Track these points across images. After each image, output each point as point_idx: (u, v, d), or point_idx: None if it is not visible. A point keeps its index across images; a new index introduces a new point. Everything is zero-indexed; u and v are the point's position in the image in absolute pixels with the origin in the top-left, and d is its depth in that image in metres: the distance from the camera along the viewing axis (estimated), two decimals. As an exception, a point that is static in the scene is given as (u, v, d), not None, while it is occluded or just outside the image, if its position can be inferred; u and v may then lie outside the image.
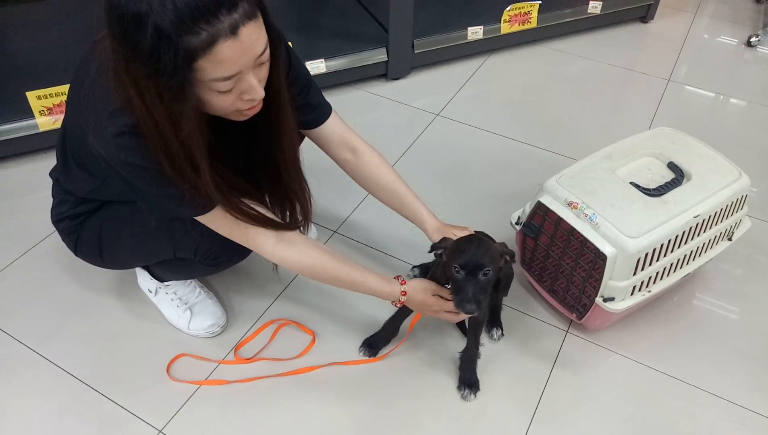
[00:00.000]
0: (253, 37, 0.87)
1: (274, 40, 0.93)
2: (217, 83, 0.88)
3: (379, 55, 2.18)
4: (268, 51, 0.92)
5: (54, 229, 1.30)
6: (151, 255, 1.32)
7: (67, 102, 1.13)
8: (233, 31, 0.83)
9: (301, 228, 1.22)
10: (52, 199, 1.28)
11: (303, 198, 1.22)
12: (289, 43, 1.19)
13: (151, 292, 1.43)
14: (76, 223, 1.26)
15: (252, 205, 1.09)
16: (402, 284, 1.21)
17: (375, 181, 1.32)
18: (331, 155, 1.33)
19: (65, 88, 1.78)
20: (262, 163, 1.16)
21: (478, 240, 1.11)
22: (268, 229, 1.12)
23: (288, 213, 1.23)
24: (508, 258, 1.17)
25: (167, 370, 1.34)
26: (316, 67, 2.08)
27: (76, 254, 1.31)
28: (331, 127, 1.28)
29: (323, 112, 1.28)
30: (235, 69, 0.88)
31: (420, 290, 1.23)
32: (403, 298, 1.21)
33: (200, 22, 0.81)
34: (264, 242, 1.12)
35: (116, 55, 0.86)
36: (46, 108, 1.79)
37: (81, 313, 1.46)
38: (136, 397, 1.30)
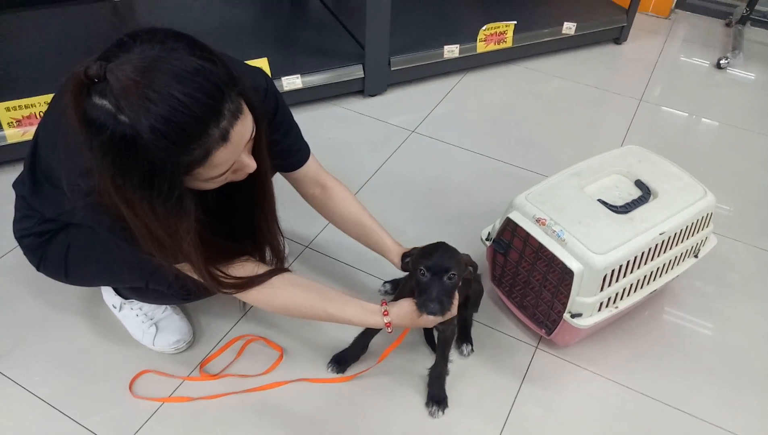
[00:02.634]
0: (243, 131, 0.87)
1: (258, 117, 0.92)
2: (213, 179, 0.89)
3: (356, 72, 2.20)
4: (254, 127, 0.91)
5: (16, 243, 1.27)
6: (121, 282, 1.30)
7: (42, 122, 1.09)
8: (224, 138, 0.84)
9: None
10: (14, 213, 1.25)
11: (277, 247, 1.21)
12: (276, 84, 1.18)
13: (115, 307, 1.41)
14: (41, 241, 1.23)
15: (229, 272, 1.08)
16: (385, 315, 1.15)
17: (341, 215, 1.33)
18: (299, 191, 1.34)
19: (35, 100, 1.76)
20: (241, 223, 1.15)
21: (444, 245, 1.14)
22: None
23: (263, 256, 1.22)
24: (471, 269, 1.19)
25: (130, 387, 1.31)
26: (292, 82, 2.08)
27: (38, 270, 1.28)
28: (306, 168, 1.29)
29: (302, 156, 1.28)
30: (230, 163, 0.89)
31: (403, 316, 1.16)
32: (389, 331, 1.17)
33: (191, 143, 0.80)
34: None
35: (100, 169, 0.82)
36: (15, 120, 1.77)
37: (43, 329, 1.42)
38: (97, 416, 1.27)
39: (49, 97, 1.74)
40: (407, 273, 1.34)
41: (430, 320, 1.16)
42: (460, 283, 1.16)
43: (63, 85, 0.78)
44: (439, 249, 1.13)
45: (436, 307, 1.08)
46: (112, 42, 0.80)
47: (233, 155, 0.88)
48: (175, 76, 0.77)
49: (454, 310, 1.14)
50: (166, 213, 0.86)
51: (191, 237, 0.92)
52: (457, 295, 1.14)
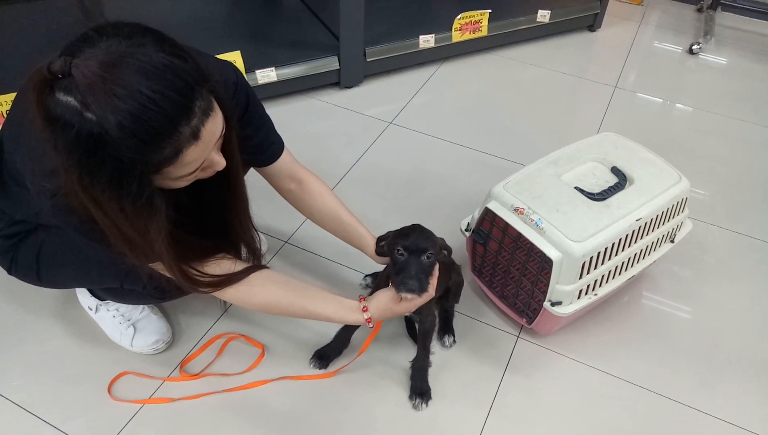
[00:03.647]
0: (213, 129, 0.85)
1: (228, 114, 0.90)
2: (183, 178, 0.88)
3: (331, 64, 2.17)
4: (224, 125, 0.89)
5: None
6: (95, 283, 1.27)
7: (6, 122, 1.05)
8: (195, 136, 0.82)
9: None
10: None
11: (253, 244, 1.19)
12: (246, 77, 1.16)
13: (91, 309, 1.38)
14: (11, 243, 1.20)
15: (204, 270, 1.06)
16: (364, 311, 1.15)
17: (318, 209, 1.31)
18: (275, 186, 1.32)
19: (1, 98, 1.71)
20: (214, 221, 1.13)
21: (420, 227, 1.15)
22: None
23: (239, 254, 1.19)
24: (446, 253, 1.19)
25: (108, 390, 1.29)
26: (266, 75, 2.05)
27: (9, 273, 1.24)
28: (280, 163, 1.27)
29: (276, 150, 1.26)
30: (200, 161, 0.87)
31: (382, 307, 1.16)
32: (369, 325, 1.17)
33: (162, 141, 0.78)
34: None
35: (66, 168, 0.79)
36: (-19, 120, 1.72)
37: (18, 334, 1.39)
38: (76, 421, 1.25)
39: (12, 97, 1.71)
40: (384, 268, 1.34)
41: (410, 306, 1.16)
42: (438, 271, 1.16)
43: (25, 82, 0.76)
44: (416, 230, 1.14)
45: (415, 284, 1.08)
46: (76, 35, 0.77)
47: (204, 153, 0.86)
48: (144, 72, 0.75)
49: (432, 291, 1.14)
50: (135, 213, 0.84)
51: (163, 236, 0.90)
52: (436, 273, 1.14)
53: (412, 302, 1.14)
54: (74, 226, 0.94)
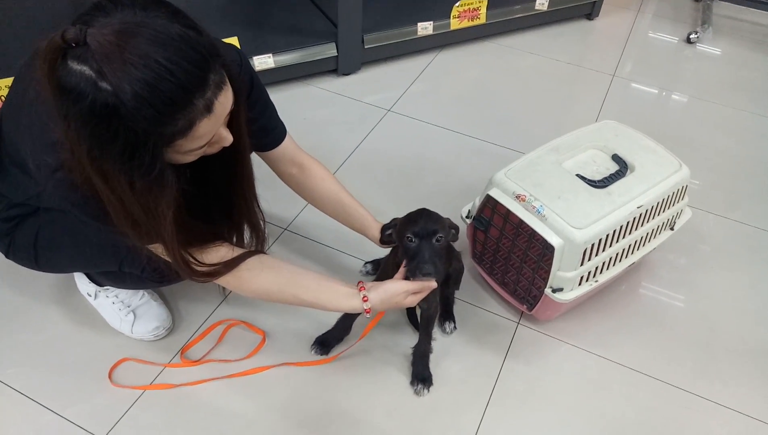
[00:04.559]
0: (225, 103, 0.85)
1: (237, 90, 0.89)
2: (193, 151, 0.87)
3: (329, 51, 2.16)
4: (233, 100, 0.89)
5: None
6: (94, 266, 1.26)
7: (5, 103, 1.04)
8: (208, 109, 0.81)
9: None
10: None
11: (257, 225, 1.18)
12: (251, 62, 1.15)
13: (90, 296, 1.37)
14: (9, 226, 1.18)
15: (202, 258, 1.05)
16: (364, 301, 1.12)
17: (320, 193, 1.31)
18: (276, 171, 1.31)
19: (-4, 83, 1.69)
20: (218, 202, 1.12)
21: (427, 211, 1.15)
22: None
23: (242, 236, 1.19)
24: (454, 232, 1.20)
25: (109, 376, 1.29)
26: (264, 62, 2.04)
27: (7, 257, 1.23)
28: (283, 147, 1.26)
29: (279, 134, 1.26)
30: (211, 135, 0.86)
31: (387, 299, 1.13)
32: (367, 316, 1.14)
33: (176, 112, 0.77)
34: None
35: (75, 140, 0.77)
36: (-24, 105, 1.70)
37: (17, 321, 1.39)
38: (76, 406, 1.24)
39: (6, 81, 1.69)
40: (388, 252, 1.34)
41: (417, 299, 1.15)
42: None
43: (31, 55, 0.74)
44: (423, 214, 1.14)
45: (431, 268, 1.08)
46: (89, 5, 0.75)
47: (215, 127, 0.86)
48: (161, 43, 0.74)
49: (439, 279, 1.14)
50: (145, 187, 0.83)
51: (170, 215, 0.89)
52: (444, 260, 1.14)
53: (419, 295, 1.14)
54: (75, 203, 0.92)
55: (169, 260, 1.01)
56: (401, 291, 1.12)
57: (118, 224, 0.90)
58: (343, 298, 1.13)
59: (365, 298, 1.12)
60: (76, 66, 0.72)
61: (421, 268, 1.08)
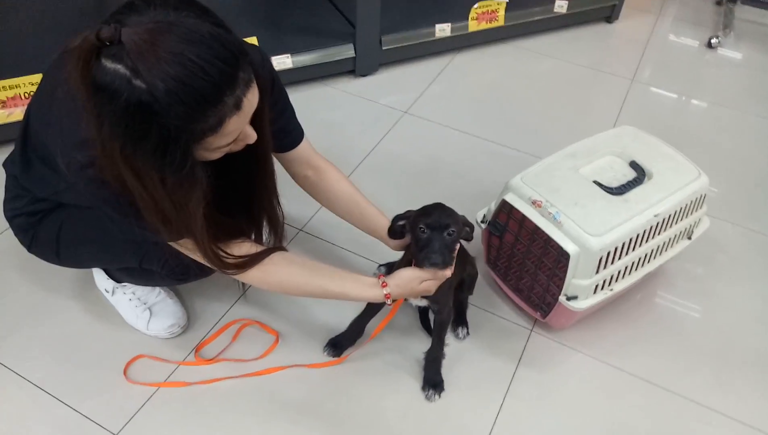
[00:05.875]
0: (253, 100, 0.86)
1: (262, 88, 0.90)
2: (220, 148, 0.88)
3: (347, 51, 2.16)
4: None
5: (6, 224, 1.24)
6: (114, 262, 1.28)
7: (34, 100, 1.06)
8: (238, 106, 0.83)
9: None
10: (4, 193, 1.22)
11: (277, 221, 1.20)
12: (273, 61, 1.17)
13: (108, 291, 1.39)
14: (33, 220, 1.21)
15: (229, 252, 1.06)
16: (384, 287, 1.15)
17: (335, 196, 1.31)
18: (291, 173, 1.32)
19: (19, 81, 1.71)
20: (239, 198, 1.13)
21: (442, 205, 1.16)
22: None
23: (260, 232, 1.21)
24: (468, 229, 1.20)
25: (124, 372, 1.30)
26: (282, 62, 2.05)
27: (29, 251, 1.26)
28: (300, 149, 1.27)
29: (296, 136, 1.27)
30: (238, 132, 0.88)
31: (403, 285, 1.16)
32: (388, 302, 1.17)
33: (208, 109, 0.79)
34: None
35: (108, 138, 0.79)
36: (0, 101, 1.72)
37: (36, 315, 1.41)
38: (92, 401, 1.26)
39: (34, 78, 1.71)
40: (401, 256, 1.34)
41: (431, 286, 1.17)
42: (456, 253, 1.17)
43: (62, 54, 0.76)
44: (438, 207, 1.15)
45: (439, 258, 1.10)
46: (121, 5, 0.77)
47: (242, 124, 0.87)
48: (193, 41, 0.76)
49: (451, 270, 1.15)
50: (176, 184, 0.84)
51: (201, 210, 0.91)
52: (455, 254, 1.15)
53: (432, 282, 1.16)
54: (106, 199, 0.93)
55: (199, 255, 1.03)
56: (415, 277, 1.15)
57: (148, 220, 0.91)
58: (367, 287, 1.16)
59: (384, 284, 1.15)
60: (110, 64, 0.74)
61: (429, 258, 1.10)
